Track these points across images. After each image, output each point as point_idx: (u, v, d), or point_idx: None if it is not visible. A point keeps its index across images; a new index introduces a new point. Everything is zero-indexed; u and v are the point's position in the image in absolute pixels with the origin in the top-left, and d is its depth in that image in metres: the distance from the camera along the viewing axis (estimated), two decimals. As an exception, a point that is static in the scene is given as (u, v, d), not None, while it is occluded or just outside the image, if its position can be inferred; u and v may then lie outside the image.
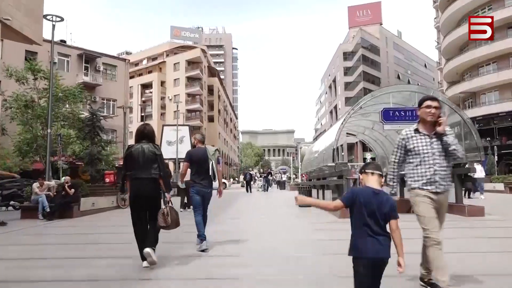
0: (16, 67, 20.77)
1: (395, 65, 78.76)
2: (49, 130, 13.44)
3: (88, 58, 40.65)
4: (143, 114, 68.79)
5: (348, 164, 15.83)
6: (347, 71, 77.08)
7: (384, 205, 2.69)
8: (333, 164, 11.76)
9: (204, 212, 6.31)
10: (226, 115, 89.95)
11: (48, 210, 11.27)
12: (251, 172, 36.29)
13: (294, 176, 48.70)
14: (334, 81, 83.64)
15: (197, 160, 6.23)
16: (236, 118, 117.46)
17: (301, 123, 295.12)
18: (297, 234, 7.91)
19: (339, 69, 78.92)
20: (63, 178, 11.71)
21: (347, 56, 78.06)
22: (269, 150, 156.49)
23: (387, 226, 2.72)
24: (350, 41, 79.79)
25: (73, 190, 11.67)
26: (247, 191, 29.45)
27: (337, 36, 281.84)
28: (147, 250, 4.87)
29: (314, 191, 15.95)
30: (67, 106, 21.16)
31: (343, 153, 66.47)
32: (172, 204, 5.37)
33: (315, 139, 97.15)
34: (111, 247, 6.92)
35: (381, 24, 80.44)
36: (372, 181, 2.81)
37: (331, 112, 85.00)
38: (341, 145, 63.66)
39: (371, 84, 70.03)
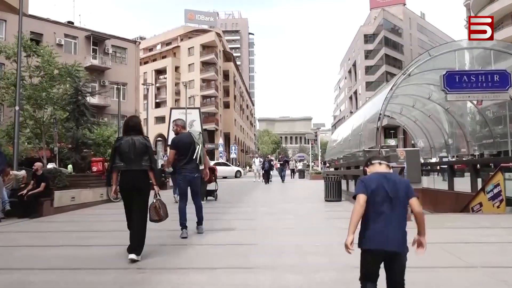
0: (7, 43, 18.52)
1: (419, 47, 74.91)
2: (16, 108, 11.02)
3: (97, 40, 39.03)
4: (157, 100, 66.89)
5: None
6: (368, 54, 74.03)
7: (398, 185, 2.50)
8: (376, 148, 8.78)
9: (194, 197, 6.37)
10: (242, 101, 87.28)
11: (8, 207, 8.79)
12: (271, 159, 32.57)
13: (313, 164, 45.82)
14: (354, 65, 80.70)
15: (183, 146, 6.22)
16: (253, 105, 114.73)
17: (319, 110, 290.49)
18: (334, 256, 4.92)
19: (360, 52, 75.79)
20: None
21: (368, 38, 74.98)
22: (286, 137, 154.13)
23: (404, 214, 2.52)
24: (371, 23, 76.62)
25: (42, 185, 9.23)
26: (267, 182, 25.04)
27: (358, 19, 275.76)
28: (133, 257, 4.64)
29: (344, 183, 13.11)
30: (62, 86, 18.80)
31: (363, 140, 63.41)
32: (160, 197, 5.26)
33: (334, 126, 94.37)
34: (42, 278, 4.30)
35: (404, 4, 76.76)
36: (381, 168, 2.62)
37: (350, 97, 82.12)
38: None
39: (393, 67, 66.91)
